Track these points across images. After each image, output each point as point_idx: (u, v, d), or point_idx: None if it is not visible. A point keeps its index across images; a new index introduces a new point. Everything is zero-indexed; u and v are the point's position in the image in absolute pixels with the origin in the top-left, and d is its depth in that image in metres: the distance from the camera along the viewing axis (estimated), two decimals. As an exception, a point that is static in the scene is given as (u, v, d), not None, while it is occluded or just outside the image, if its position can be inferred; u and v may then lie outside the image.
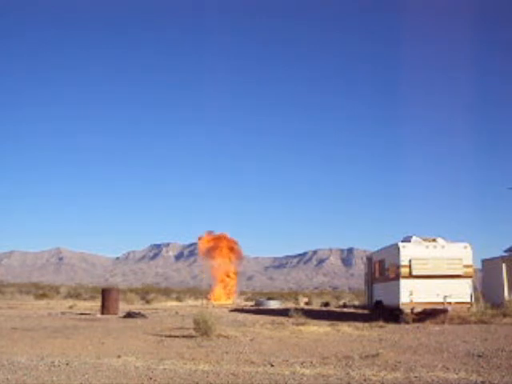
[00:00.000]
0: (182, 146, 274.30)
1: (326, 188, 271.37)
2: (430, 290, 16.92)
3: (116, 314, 21.47)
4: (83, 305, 31.67)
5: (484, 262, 23.53)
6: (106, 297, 22.56)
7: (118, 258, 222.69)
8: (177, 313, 22.61)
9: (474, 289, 17.79)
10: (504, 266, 21.62)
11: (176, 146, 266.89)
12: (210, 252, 44.40)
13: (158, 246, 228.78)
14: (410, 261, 17.20)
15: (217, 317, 13.68)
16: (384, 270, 19.05)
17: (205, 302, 36.45)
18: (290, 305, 30.91)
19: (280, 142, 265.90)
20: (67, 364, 8.06)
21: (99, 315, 21.12)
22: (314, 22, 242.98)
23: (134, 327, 14.99)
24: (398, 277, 17.33)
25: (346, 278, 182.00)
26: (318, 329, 14.61)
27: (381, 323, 15.90)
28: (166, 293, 48.72)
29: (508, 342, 11.36)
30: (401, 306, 17.07)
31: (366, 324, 15.72)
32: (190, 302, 39.58)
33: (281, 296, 45.99)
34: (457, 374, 7.35)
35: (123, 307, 25.52)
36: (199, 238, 46.01)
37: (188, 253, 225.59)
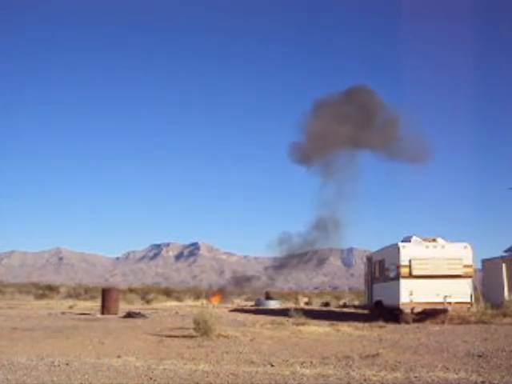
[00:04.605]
0: (183, 146, 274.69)
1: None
2: (430, 290, 16.93)
3: (116, 314, 21.46)
4: (83, 305, 31.64)
5: (484, 262, 23.53)
6: (106, 297, 22.55)
7: (117, 258, 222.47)
8: (177, 313, 22.60)
9: (474, 289, 17.80)
10: (504, 266, 21.64)
11: (176, 145, 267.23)
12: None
13: (158, 246, 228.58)
14: (409, 261, 17.21)
15: (217, 317, 13.69)
16: (384, 270, 19.05)
17: (205, 302, 36.42)
18: (290, 305, 30.89)
19: (279, 141, 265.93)
20: (67, 364, 8.05)
21: (99, 315, 21.11)
22: (315, 22, 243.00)
23: (133, 327, 14.98)
24: (398, 277, 17.34)
25: (346, 278, 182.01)
26: (318, 329, 14.61)
27: (381, 323, 15.92)
28: (166, 293, 48.59)
29: (508, 341, 11.36)
30: (401, 306, 17.08)
31: (366, 324, 15.73)
32: (190, 302, 39.53)
33: (281, 296, 45.94)
34: (457, 373, 7.35)
35: (123, 307, 25.51)
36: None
37: (188, 253, 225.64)
